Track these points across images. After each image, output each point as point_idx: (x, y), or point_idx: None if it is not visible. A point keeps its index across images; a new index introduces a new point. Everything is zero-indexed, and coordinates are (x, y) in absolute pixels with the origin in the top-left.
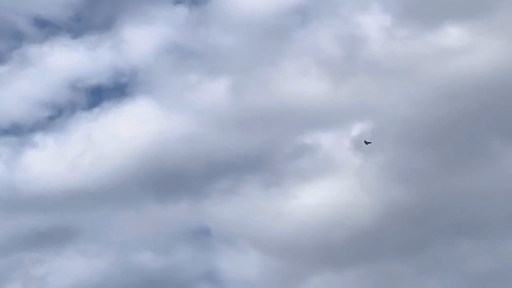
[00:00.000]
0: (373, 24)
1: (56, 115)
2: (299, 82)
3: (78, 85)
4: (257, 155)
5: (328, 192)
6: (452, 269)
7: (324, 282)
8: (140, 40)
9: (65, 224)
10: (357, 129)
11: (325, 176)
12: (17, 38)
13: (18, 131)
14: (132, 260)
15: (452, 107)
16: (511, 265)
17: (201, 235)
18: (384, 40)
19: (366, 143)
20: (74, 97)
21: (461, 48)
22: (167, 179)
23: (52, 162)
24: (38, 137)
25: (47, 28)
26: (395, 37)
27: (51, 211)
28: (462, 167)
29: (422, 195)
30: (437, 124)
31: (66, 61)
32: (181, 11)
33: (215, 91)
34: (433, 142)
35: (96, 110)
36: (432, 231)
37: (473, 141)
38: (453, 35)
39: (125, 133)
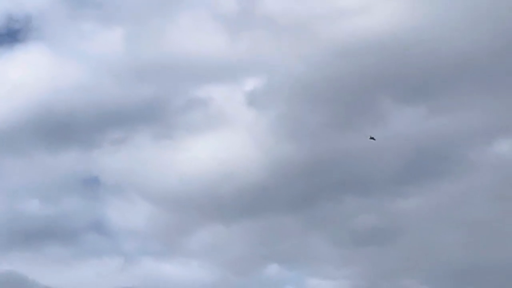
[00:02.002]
0: None
1: None
2: (194, 35)
3: None
4: (149, 107)
5: (219, 145)
6: (338, 225)
7: (211, 234)
8: None
9: None
10: (250, 84)
11: (217, 129)
12: None
13: None
14: (19, 208)
15: (345, 66)
16: (395, 222)
17: (90, 185)
18: None
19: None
20: None
21: (357, 8)
22: (58, 127)
23: None
24: None
25: None
26: None
27: None
28: (352, 125)
29: (312, 152)
30: (330, 83)
31: None
32: None
33: (109, 41)
34: (324, 100)
35: None
36: (320, 187)
37: (364, 100)
38: None
39: (16, 79)
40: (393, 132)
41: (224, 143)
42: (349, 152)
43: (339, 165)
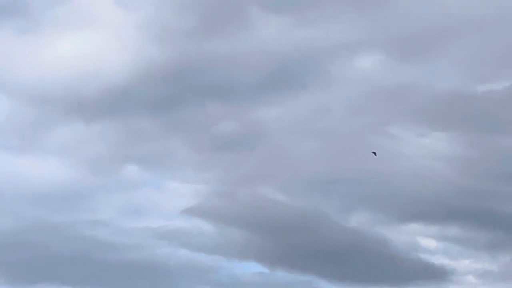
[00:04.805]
0: None
1: None
2: None
3: None
4: (13, 0)
5: (84, 44)
6: (199, 129)
7: (71, 132)
8: None
9: None
10: None
11: (83, 27)
12: None
13: None
14: None
15: None
16: (255, 129)
17: None
18: None
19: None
20: None
21: None
22: None
23: None
24: None
25: None
26: None
27: None
28: (219, 30)
29: (177, 55)
30: None
31: None
32: None
33: None
34: (192, 4)
35: None
36: (182, 91)
37: (232, 6)
38: None
39: None
40: (259, 40)
41: (89, 42)
42: (214, 58)
43: (203, 70)
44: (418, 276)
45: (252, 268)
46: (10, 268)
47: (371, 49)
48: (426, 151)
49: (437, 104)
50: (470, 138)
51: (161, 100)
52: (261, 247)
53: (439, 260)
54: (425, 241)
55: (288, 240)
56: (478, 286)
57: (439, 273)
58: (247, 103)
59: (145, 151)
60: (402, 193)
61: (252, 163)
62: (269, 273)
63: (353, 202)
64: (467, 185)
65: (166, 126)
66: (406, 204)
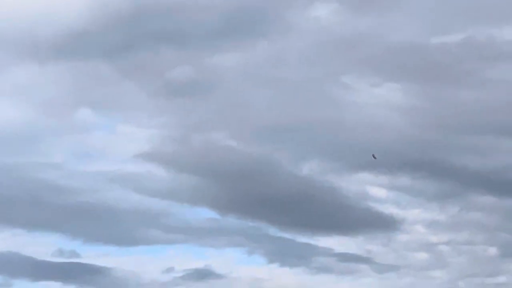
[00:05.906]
0: None
1: None
2: None
3: None
4: None
5: None
6: (154, 75)
7: (25, 74)
8: None
9: None
10: None
11: None
12: None
13: None
14: None
15: None
16: (210, 76)
17: None
18: None
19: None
20: None
21: None
22: None
23: None
24: None
25: None
26: None
27: None
28: None
29: (132, 0)
30: None
31: None
32: None
33: None
34: None
35: None
36: (137, 36)
37: None
38: None
39: None
40: None
41: None
42: (170, 3)
43: (159, 15)
44: (367, 224)
45: (203, 214)
46: None
47: None
48: (379, 101)
49: (391, 54)
50: (422, 89)
51: (116, 45)
52: (213, 193)
53: (388, 209)
54: (375, 190)
55: (240, 187)
56: (427, 235)
57: (388, 222)
58: (202, 49)
59: (99, 94)
60: (353, 142)
61: (206, 110)
62: (220, 219)
63: (305, 151)
64: (418, 135)
65: (120, 70)
66: (358, 153)
